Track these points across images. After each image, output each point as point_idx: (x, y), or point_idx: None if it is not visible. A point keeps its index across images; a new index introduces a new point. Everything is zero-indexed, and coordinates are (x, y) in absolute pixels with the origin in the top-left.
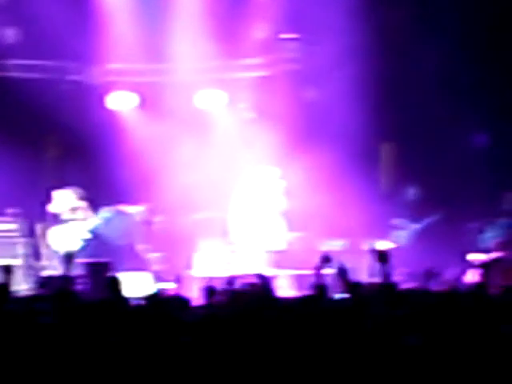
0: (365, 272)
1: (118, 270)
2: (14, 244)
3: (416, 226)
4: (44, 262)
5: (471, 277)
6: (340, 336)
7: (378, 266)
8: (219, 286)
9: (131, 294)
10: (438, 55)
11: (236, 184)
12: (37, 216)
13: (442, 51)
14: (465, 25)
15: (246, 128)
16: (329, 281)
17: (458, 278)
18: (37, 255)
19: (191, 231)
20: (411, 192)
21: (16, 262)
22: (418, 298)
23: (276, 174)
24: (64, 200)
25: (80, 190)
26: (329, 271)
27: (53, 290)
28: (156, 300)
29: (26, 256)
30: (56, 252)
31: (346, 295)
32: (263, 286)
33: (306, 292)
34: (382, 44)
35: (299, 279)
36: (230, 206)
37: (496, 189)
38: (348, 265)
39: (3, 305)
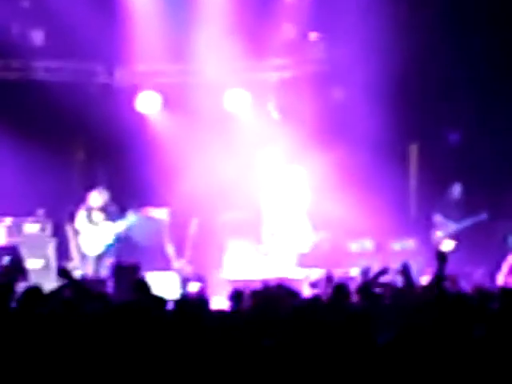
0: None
1: (145, 271)
2: (44, 245)
3: (459, 226)
4: (74, 263)
5: (502, 279)
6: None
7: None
8: (248, 289)
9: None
10: (466, 54)
11: (263, 184)
12: (66, 217)
13: (469, 50)
14: (492, 25)
15: (272, 128)
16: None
17: (489, 279)
18: (66, 256)
19: (220, 232)
20: (457, 190)
21: (46, 263)
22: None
23: (302, 173)
24: (93, 201)
25: (108, 192)
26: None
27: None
28: (180, 304)
29: (56, 257)
30: (85, 253)
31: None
32: (287, 292)
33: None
34: (408, 43)
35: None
36: (260, 206)
37: None
38: (376, 265)
39: (37, 308)
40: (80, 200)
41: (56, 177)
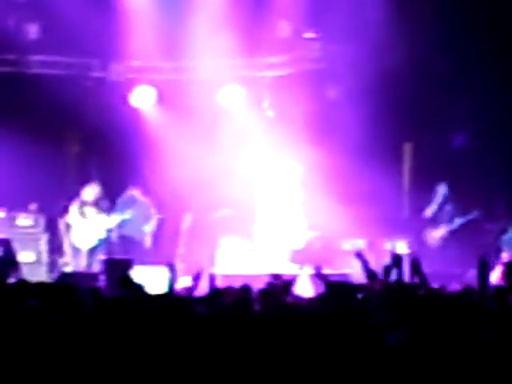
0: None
1: (137, 265)
2: (37, 239)
3: (451, 225)
4: (66, 258)
5: (494, 278)
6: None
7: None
8: (237, 284)
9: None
10: (463, 52)
11: (258, 181)
12: (59, 211)
13: (467, 49)
14: (494, 24)
15: (266, 125)
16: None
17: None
18: (59, 251)
19: (213, 228)
20: (443, 190)
21: (38, 257)
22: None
23: (296, 170)
24: (86, 196)
25: (101, 186)
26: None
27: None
28: (166, 298)
29: (48, 251)
30: (78, 247)
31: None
32: (279, 286)
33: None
34: (405, 41)
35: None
36: (254, 203)
37: None
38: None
39: (25, 301)
40: (73, 194)
41: (49, 171)
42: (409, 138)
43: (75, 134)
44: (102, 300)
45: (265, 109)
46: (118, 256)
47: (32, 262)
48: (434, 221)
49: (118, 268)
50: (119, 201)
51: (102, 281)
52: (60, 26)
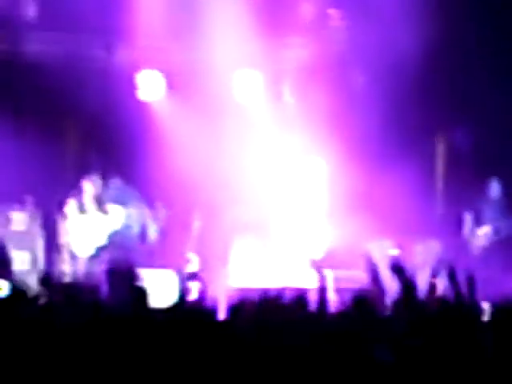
0: None
1: (140, 268)
2: (32, 237)
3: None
4: (63, 258)
5: None
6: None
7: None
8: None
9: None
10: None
11: (275, 178)
12: (56, 207)
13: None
14: None
15: (287, 114)
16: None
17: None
18: (55, 249)
19: (226, 230)
20: (495, 188)
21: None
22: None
23: (320, 166)
24: (86, 190)
25: (102, 181)
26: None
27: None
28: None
29: (44, 250)
30: (76, 255)
31: None
32: (299, 300)
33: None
34: (440, 23)
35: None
36: (271, 202)
37: None
38: None
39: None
40: (72, 188)
41: (46, 163)
42: (442, 132)
43: (75, 122)
44: (104, 316)
45: (283, 94)
46: (120, 265)
47: (27, 262)
48: (479, 219)
49: (120, 279)
50: (119, 195)
51: (103, 293)
52: (59, 3)
